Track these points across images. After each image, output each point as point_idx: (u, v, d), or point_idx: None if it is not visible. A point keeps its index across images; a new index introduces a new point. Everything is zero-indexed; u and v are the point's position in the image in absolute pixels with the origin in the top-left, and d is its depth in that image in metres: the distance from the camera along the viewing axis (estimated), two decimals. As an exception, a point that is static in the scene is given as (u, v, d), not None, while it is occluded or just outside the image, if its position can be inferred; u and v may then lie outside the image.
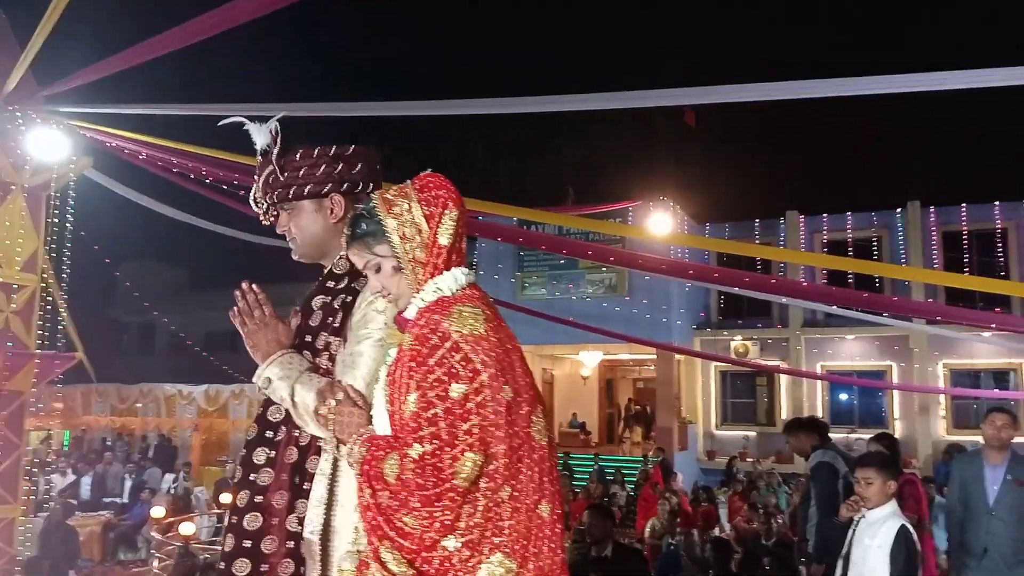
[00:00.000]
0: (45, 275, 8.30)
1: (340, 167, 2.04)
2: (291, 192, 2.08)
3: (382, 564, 1.54)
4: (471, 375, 1.52)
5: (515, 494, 1.54)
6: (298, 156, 2.08)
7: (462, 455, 1.49)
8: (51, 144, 7.53)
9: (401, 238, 1.67)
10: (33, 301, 8.08)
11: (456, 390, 1.51)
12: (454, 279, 1.66)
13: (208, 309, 32.28)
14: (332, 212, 2.07)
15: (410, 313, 1.67)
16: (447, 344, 1.53)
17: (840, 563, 4.13)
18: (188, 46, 4.81)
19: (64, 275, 8.63)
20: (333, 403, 1.75)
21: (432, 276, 1.67)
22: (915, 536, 3.91)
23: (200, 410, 20.57)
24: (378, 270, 1.73)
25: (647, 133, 24.11)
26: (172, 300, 31.09)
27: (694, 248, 19.28)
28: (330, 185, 2.04)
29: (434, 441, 1.50)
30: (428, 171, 1.76)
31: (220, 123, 2.18)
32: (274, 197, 2.12)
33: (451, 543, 1.51)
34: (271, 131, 2.07)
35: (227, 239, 10.23)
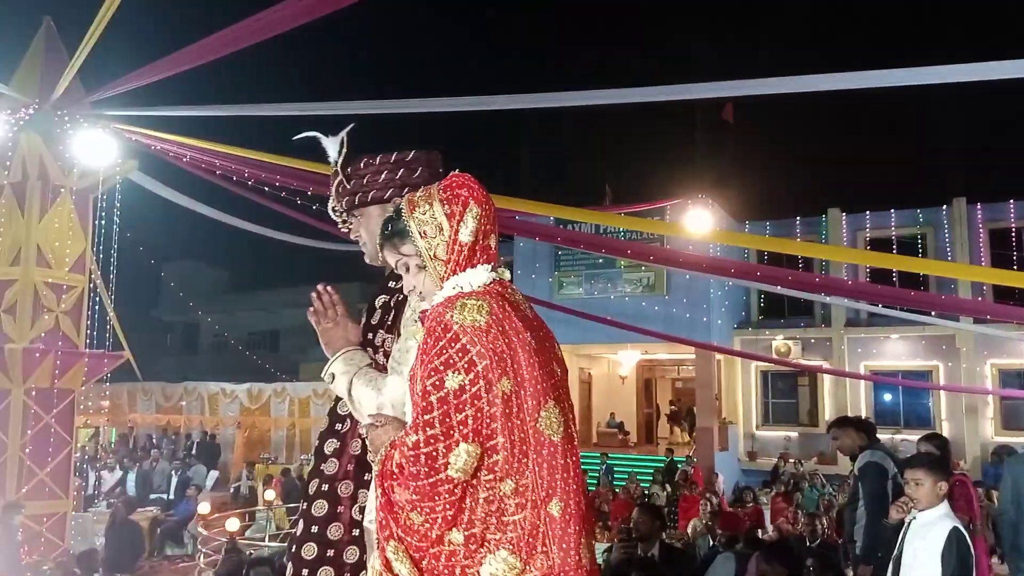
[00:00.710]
0: (93, 276, 8.48)
1: (401, 172, 2.11)
2: (357, 199, 2.18)
3: (388, 564, 1.55)
4: (467, 366, 1.52)
5: (520, 489, 1.53)
6: (362, 164, 2.16)
7: (456, 445, 1.49)
8: (98, 147, 7.69)
9: (422, 236, 1.70)
10: (82, 301, 8.27)
11: (452, 380, 1.52)
12: (475, 276, 1.68)
13: (250, 309, 32.86)
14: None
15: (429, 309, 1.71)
16: (448, 335, 1.55)
17: (891, 565, 4.04)
18: (235, 51, 4.88)
19: (111, 276, 8.81)
20: (369, 420, 1.81)
21: (454, 273, 1.69)
22: (968, 538, 3.82)
23: (243, 408, 20.88)
24: (407, 269, 1.78)
25: (685, 130, 23.86)
26: (215, 300, 31.59)
27: (733, 247, 19.08)
28: (392, 190, 2.11)
29: (427, 430, 1.51)
30: (455, 171, 1.80)
31: (295, 138, 2.25)
32: (344, 205, 2.23)
33: (456, 536, 1.52)
34: (340, 141, 2.14)
35: (267, 240, 10.37)
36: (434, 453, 1.50)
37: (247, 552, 8.72)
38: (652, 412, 25.04)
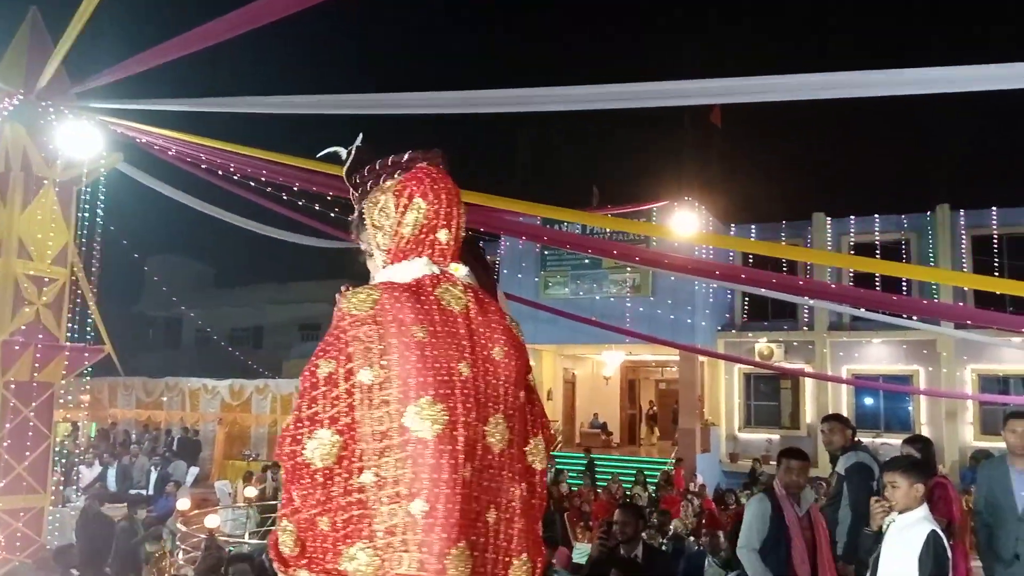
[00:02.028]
0: (75, 269, 8.40)
1: (398, 175, 2.10)
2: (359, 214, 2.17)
3: (276, 537, 1.55)
4: (337, 353, 1.53)
5: (381, 483, 1.49)
6: (366, 171, 2.14)
7: (315, 431, 1.49)
8: (82, 139, 7.61)
9: (373, 226, 1.73)
10: (63, 294, 8.19)
11: (324, 367, 1.52)
12: (409, 268, 1.67)
13: (233, 304, 32.71)
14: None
15: None
16: (334, 323, 1.57)
17: (870, 567, 4.07)
18: (220, 42, 4.84)
19: (93, 269, 8.73)
20: None
21: (392, 263, 1.69)
22: (945, 541, 3.84)
23: (224, 404, 20.78)
24: (369, 258, 1.80)
25: (673, 133, 23.96)
26: (199, 295, 31.41)
27: (718, 250, 19.17)
28: (388, 195, 2.10)
29: (296, 414, 1.52)
30: (423, 164, 1.79)
31: (319, 155, 2.23)
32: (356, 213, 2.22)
33: (324, 522, 1.51)
34: (347, 153, 2.13)
35: (252, 236, 10.31)
36: (298, 436, 1.50)
37: (227, 548, 8.67)
38: (635, 413, 25.12)
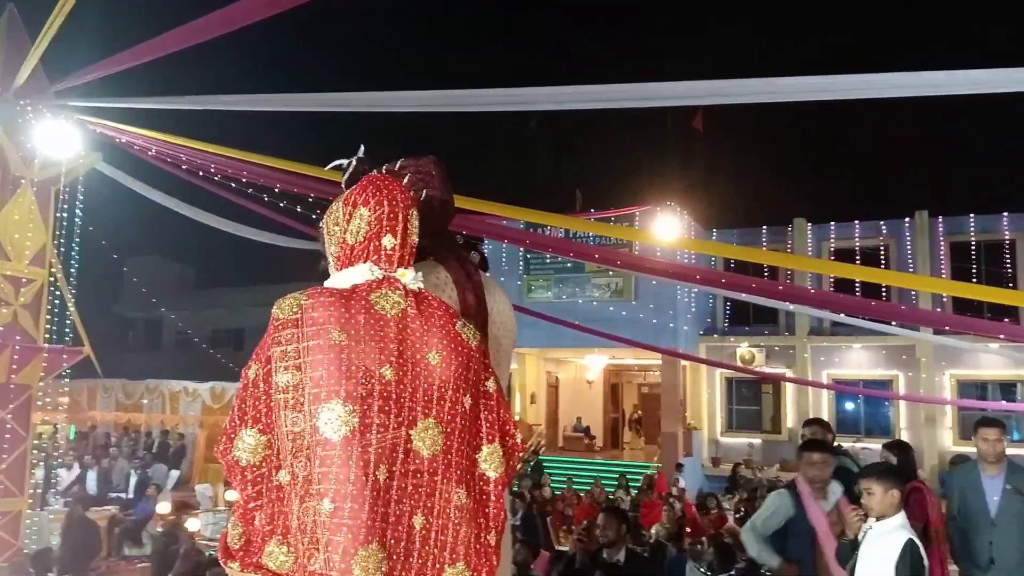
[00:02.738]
0: (53, 269, 8.32)
1: None
2: None
3: (227, 535, 1.61)
4: (261, 356, 1.61)
5: (294, 481, 1.54)
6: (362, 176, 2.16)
7: (241, 431, 1.58)
8: (61, 138, 7.54)
9: (327, 234, 1.80)
10: (41, 295, 8.11)
11: (252, 370, 1.61)
12: (350, 274, 1.71)
13: (214, 306, 32.48)
14: None
15: None
16: (269, 328, 1.63)
17: (848, 574, 4.08)
18: (200, 42, 4.81)
19: (72, 270, 8.65)
20: None
21: (339, 270, 1.74)
22: (922, 550, 3.86)
23: (205, 407, 20.60)
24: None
25: (656, 138, 24.06)
26: (179, 297, 31.18)
27: (700, 254, 19.26)
28: None
29: (230, 413, 1.62)
30: (373, 172, 1.86)
31: (328, 167, 2.23)
32: None
33: (259, 518, 1.57)
34: (347, 164, 2.15)
35: (233, 238, 10.24)
36: (231, 435, 1.59)
37: (207, 553, 8.60)
38: (618, 417, 25.16)
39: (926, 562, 3.90)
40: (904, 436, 19.25)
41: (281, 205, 7.89)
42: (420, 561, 1.54)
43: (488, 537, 1.61)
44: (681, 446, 19.68)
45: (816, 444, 4.90)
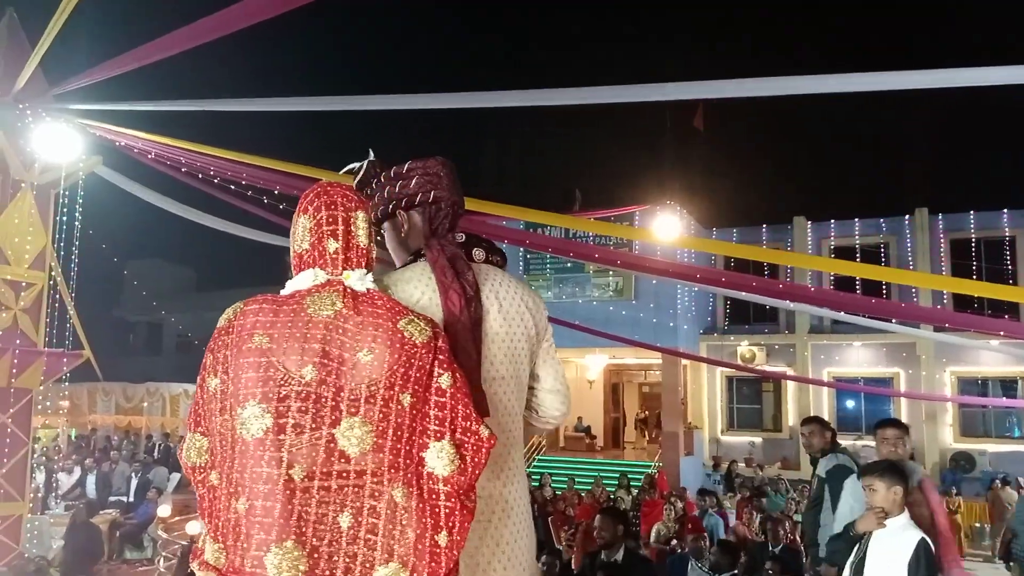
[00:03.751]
0: (53, 273, 8.31)
1: (399, 184, 2.11)
2: (374, 220, 2.18)
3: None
4: (203, 363, 1.71)
5: (222, 482, 1.61)
6: (374, 184, 2.18)
7: (190, 434, 1.69)
8: (60, 142, 7.54)
9: (292, 244, 1.86)
10: (41, 299, 8.10)
11: (200, 376, 1.71)
12: (297, 281, 1.78)
13: (215, 309, 32.16)
14: (401, 228, 2.13)
15: None
16: None
17: (850, 570, 4.05)
18: (199, 45, 4.81)
19: (72, 273, 8.65)
20: None
21: (295, 275, 1.83)
22: (933, 548, 3.83)
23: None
24: None
25: (655, 137, 24.05)
26: (179, 299, 31.15)
27: (700, 253, 19.25)
28: (393, 203, 2.11)
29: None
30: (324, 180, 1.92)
31: (341, 172, 2.26)
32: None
33: (207, 516, 1.65)
34: (359, 168, 2.18)
35: (233, 239, 10.24)
36: (184, 438, 1.72)
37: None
38: (619, 417, 25.15)
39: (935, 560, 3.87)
40: (905, 434, 19.23)
41: (280, 207, 7.89)
42: (347, 560, 1.54)
43: (437, 537, 1.58)
44: (682, 445, 19.68)
45: (892, 422, 4.63)
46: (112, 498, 14.20)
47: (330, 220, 1.80)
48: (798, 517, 10.26)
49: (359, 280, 1.76)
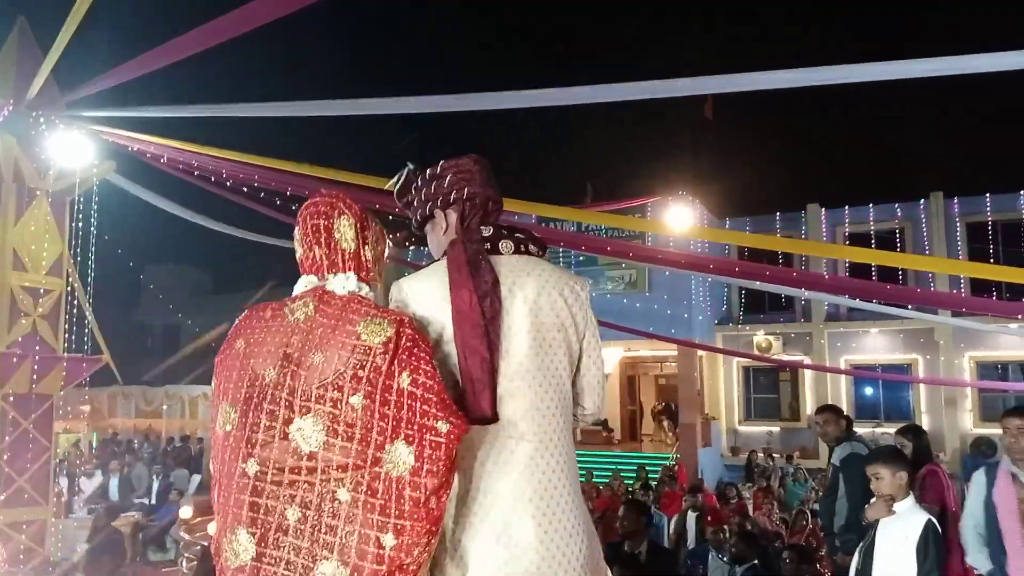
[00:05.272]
0: (71, 279, 8.39)
1: (434, 185, 2.12)
2: (415, 225, 2.22)
3: None
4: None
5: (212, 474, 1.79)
6: (412, 189, 2.20)
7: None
8: (74, 149, 7.60)
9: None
10: (59, 305, 8.18)
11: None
12: (296, 287, 1.91)
13: (231, 311, 32.53)
14: (440, 228, 2.13)
15: None
16: None
17: (860, 556, 4.06)
18: (209, 48, 4.84)
19: (89, 279, 8.72)
20: None
21: None
22: (940, 530, 3.86)
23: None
24: None
25: (665, 127, 23.99)
26: (196, 303, 31.35)
27: (714, 244, 19.17)
28: (430, 204, 2.12)
29: None
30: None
31: (387, 187, 2.29)
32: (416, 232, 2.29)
33: None
34: (397, 178, 2.22)
35: (250, 243, 10.30)
36: None
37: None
38: (636, 409, 25.12)
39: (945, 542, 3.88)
40: (924, 420, 19.13)
41: (293, 208, 7.93)
42: (290, 553, 1.61)
43: (383, 538, 1.59)
44: (700, 436, 19.64)
45: (1018, 410, 4.24)
46: (135, 501, 14.32)
47: (314, 229, 1.92)
48: (817, 506, 10.23)
49: (342, 284, 1.86)
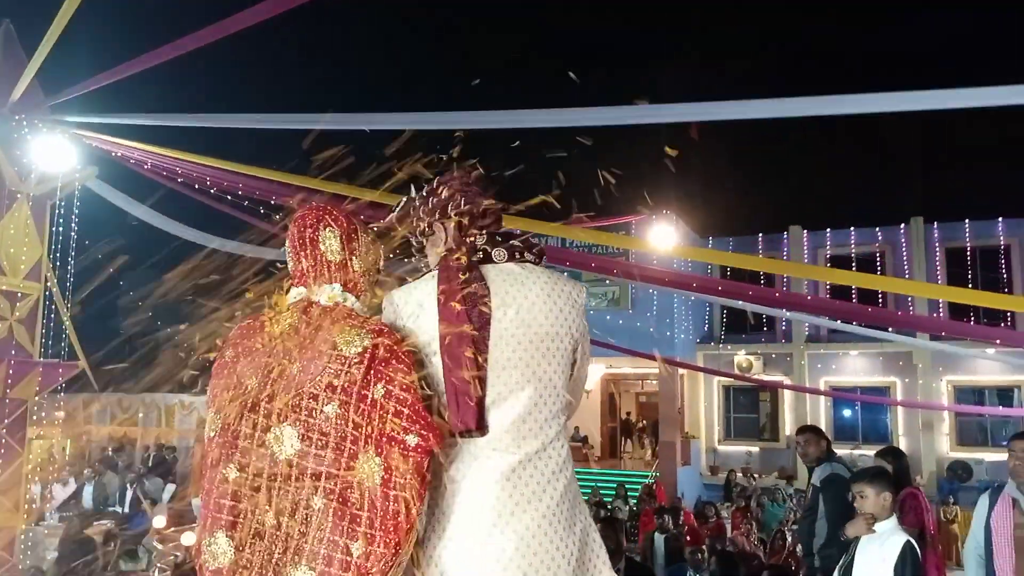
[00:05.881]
0: (49, 283, 8.30)
1: (431, 200, 2.14)
2: (415, 244, 2.24)
3: None
4: None
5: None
6: (411, 210, 2.22)
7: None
8: (56, 153, 7.55)
9: None
10: (37, 309, 8.09)
11: None
12: (288, 298, 1.94)
13: (212, 320, 32.36)
14: (440, 240, 2.13)
15: None
16: None
17: (838, 573, 4.09)
18: (193, 56, 4.83)
19: (68, 284, 8.64)
20: None
21: None
22: (919, 551, 3.88)
23: (200, 421, 20.52)
24: None
25: (650, 146, 24.12)
26: (175, 311, 31.10)
27: (697, 263, 19.25)
28: (428, 219, 2.14)
29: None
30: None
31: (386, 221, 2.30)
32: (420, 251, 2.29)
33: None
34: (397, 206, 2.25)
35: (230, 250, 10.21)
36: None
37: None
38: (616, 426, 25.11)
39: (923, 563, 3.90)
40: (902, 443, 19.25)
41: (277, 217, 7.90)
42: (264, 557, 1.65)
43: (351, 546, 1.60)
44: (679, 455, 19.65)
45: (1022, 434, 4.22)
46: (107, 509, 14.14)
47: (301, 240, 1.95)
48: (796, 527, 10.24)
49: (327, 295, 1.89)
